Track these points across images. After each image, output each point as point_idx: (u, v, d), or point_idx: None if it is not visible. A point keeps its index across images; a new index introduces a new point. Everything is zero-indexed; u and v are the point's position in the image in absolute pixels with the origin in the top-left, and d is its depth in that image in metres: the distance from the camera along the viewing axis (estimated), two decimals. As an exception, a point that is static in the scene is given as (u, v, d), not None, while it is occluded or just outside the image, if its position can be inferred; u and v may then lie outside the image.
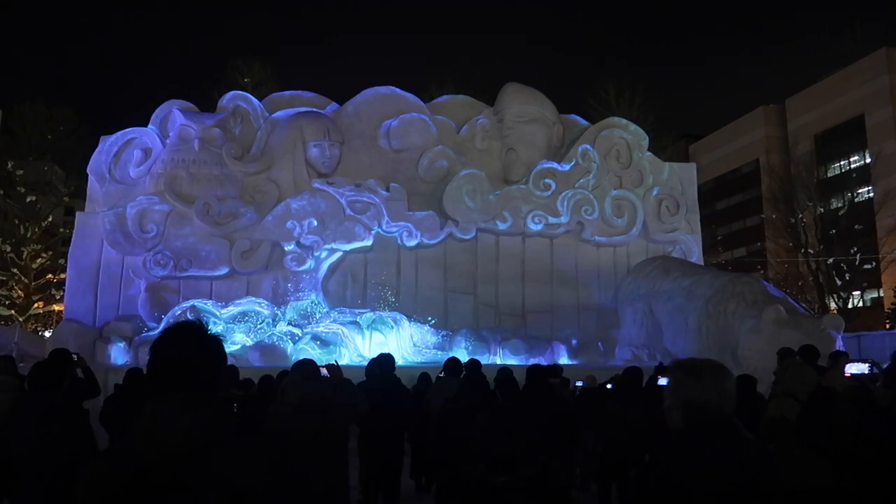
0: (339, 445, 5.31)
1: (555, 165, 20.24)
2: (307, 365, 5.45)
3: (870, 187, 44.49)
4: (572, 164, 20.38)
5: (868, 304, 44.19)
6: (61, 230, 34.31)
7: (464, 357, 9.40)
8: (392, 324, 17.53)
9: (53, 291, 33.27)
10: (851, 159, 48.51)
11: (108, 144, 19.51)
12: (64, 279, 21.85)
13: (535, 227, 19.82)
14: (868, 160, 45.75)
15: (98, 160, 19.49)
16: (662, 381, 8.95)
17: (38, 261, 32.49)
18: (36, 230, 32.42)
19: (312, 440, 4.87)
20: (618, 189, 20.58)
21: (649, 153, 21.54)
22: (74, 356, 5.87)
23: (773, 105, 56.05)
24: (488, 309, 19.69)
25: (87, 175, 19.98)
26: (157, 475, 1.91)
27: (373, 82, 21.17)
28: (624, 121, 22.21)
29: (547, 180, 20.02)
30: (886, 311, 37.09)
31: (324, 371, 5.65)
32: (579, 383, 10.48)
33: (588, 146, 20.59)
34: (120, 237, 18.47)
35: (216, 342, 2.16)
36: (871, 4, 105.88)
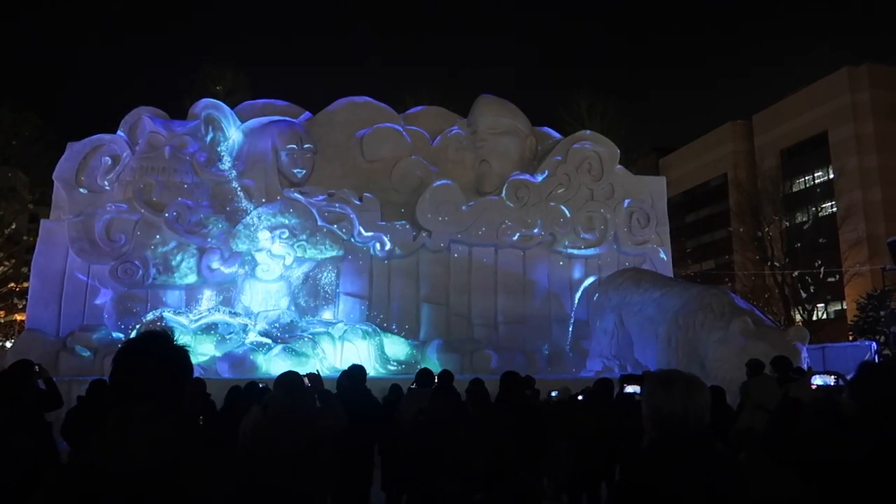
0: (322, 460, 5.22)
1: (527, 177, 20.37)
2: (291, 377, 5.40)
3: (833, 202, 45.61)
4: (545, 175, 20.53)
5: (832, 316, 45.17)
6: (25, 238, 33.59)
7: (436, 368, 9.36)
8: (364, 334, 17.41)
9: (16, 300, 32.49)
10: (816, 174, 49.66)
11: (75, 151, 19.12)
12: (27, 288, 21.32)
13: (507, 238, 19.89)
14: (831, 175, 46.90)
15: (64, 167, 19.08)
16: (629, 390, 9.03)
17: (0, 269, 31.71)
18: (-2, 238, 31.65)
19: (292, 453, 4.80)
20: (589, 201, 20.78)
21: (620, 166, 21.80)
22: (36, 367, 5.71)
23: (741, 120, 57.19)
24: (461, 320, 19.66)
25: (52, 182, 19.56)
26: (120, 491, 1.83)
27: (347, 93, 21.17)
28: (596, 134, 22.49)
29: (520, 192, 20.13)
30: (849, 323, 37.88)
31: (305, 381, 5.60)
32: (554, 394, 10.47)
33: (560, 158, 20.77)
34: (86, 245, 18.09)
35: (182, 353, 2.10)
36: (834, 26, 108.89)
